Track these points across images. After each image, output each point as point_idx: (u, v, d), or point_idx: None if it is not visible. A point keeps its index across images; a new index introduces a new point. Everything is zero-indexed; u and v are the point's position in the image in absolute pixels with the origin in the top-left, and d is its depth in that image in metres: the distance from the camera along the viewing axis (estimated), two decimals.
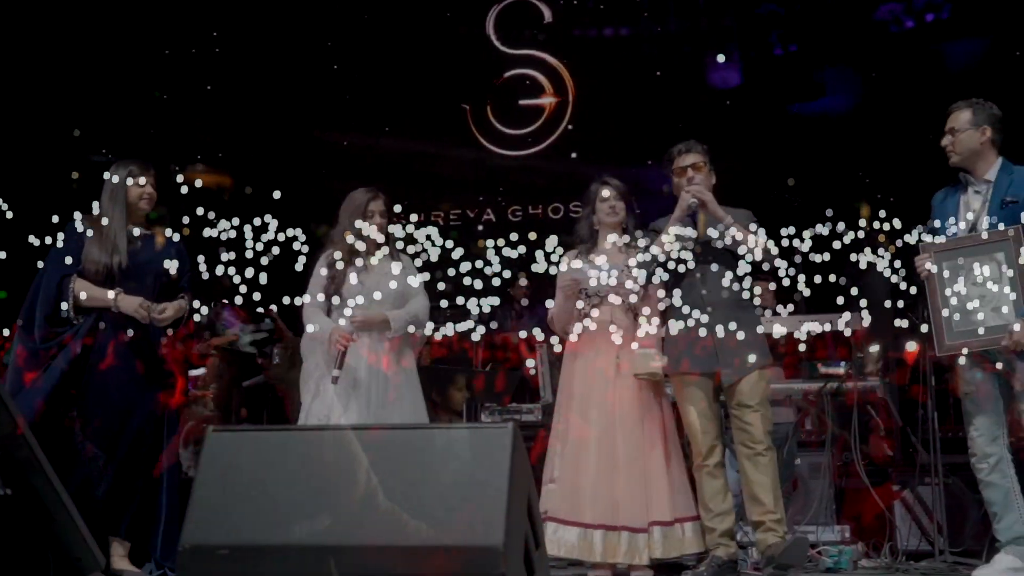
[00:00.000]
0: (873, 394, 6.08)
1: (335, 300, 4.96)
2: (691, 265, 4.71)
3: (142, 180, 4.97)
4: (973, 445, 4.57)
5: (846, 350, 6.07)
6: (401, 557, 2.06)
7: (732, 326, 4.61)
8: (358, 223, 5.01)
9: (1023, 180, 4.52)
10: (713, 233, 4.71)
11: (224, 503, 2.16)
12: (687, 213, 4.75)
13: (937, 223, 4.70)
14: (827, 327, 5.81)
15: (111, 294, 4.75)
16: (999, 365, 4.50)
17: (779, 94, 10.23)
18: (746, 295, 4.74)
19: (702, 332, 4.62)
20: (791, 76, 10.18)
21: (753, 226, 4.73)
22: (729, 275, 4.69)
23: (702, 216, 4.75)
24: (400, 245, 5.19)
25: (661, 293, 4.88)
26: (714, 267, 4.71)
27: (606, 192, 5.05)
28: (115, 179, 4.95)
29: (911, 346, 5.35)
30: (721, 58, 9.82)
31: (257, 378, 9.21)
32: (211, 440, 2.25)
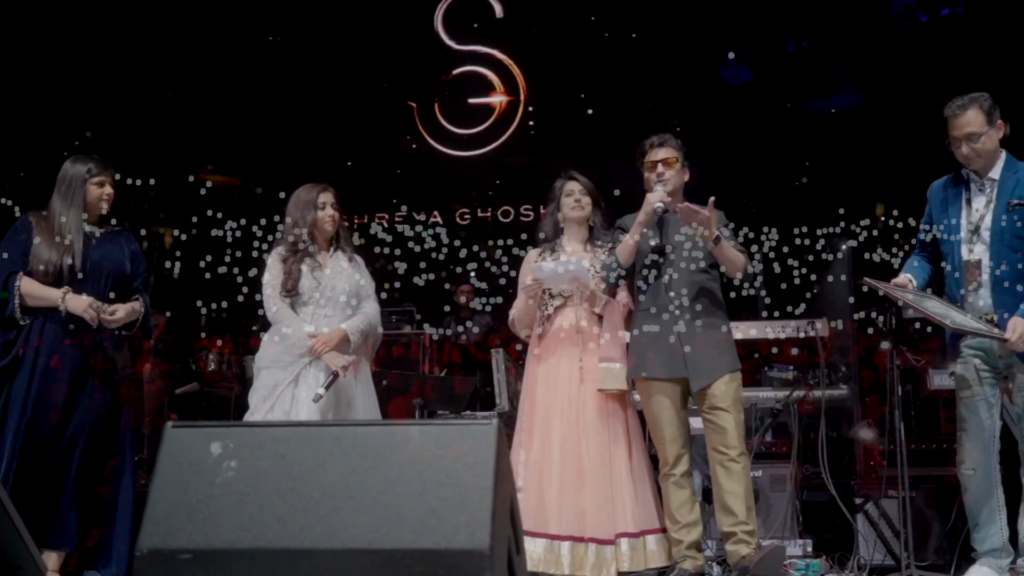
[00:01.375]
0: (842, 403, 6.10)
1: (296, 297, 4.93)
2: (658, 263, 4.67)
3: (102, 179, 4.86)
4: (962, 451, 4.55)
5: (805, 356, 6.09)
6: (379, 561, 1.99)
7: (700, 329, 4.57)
8: (311, 217, 4.95)
9: None
10: (679, 236, 4.66)
11: (185, 504, 2.07)
12: (652, 219, 4.68)
13: (932, 220, 4.63)
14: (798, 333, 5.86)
15: (58, 294, 4.64)
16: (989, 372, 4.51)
17: (792, 91, 10.25)
18: (715, 296, 4.70)
19: (670, 338, 4.58)
20: (804, 73, 10.21)
21: (726, 231, 4.70)
22: (697, 276, 4.66)
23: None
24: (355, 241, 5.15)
25: (624, 296, 4.86)
26: (681, 268, 4.66)
27: (571, 186, 5.02)
28: (73, 176, 4.83)
29: (884, 345, 5.33)
30: (731, 55, 9.82)
31: (190, 385, 9.05)
32: (169, 437, 2.16)
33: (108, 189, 4.90)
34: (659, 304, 4.65)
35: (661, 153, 4.77)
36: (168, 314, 9.23)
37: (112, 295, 4.79)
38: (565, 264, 4.83)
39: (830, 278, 7.74)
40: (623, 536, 4.66)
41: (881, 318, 5.82)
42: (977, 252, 4.44)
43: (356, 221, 11.09)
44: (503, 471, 2.15)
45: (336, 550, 2.02)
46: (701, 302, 4.62)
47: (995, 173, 4.46)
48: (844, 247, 8.06)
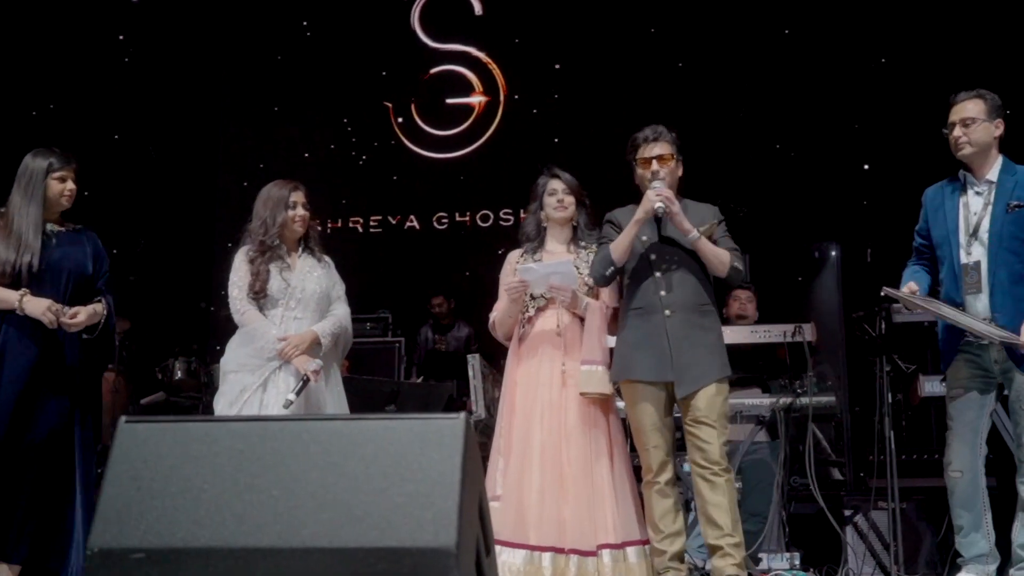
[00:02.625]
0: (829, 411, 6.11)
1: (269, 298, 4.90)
2: (649, 261, 4.63)
3: (64, 174, 4.83)
4: (950, 451, 4.58)
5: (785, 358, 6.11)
6: (340, 560, 1.97)
7: (691, 332, 4.55)
8: (280, 216, 4.93)
9: None
10: (673, 234, 4.62)
11: (139, 502, 2.05)
12: (650, 216, 4.59)
13: (928, 225, 4.71)
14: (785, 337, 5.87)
15: (16, 295, 4.59)
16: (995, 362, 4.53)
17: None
18: (707, 298, 4.66)
19: (660, 340, 4.54)
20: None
21: (719, 229, 4.68)
22: (690, 277, 4.61)
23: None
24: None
25: (608, 296, 4.85)
26: (674, 267, 4.61)
27: (554, 185, 5.00)
28: (33, 171, 4.79)
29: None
30: None
31: (156, 395, 9.01)
32: (123, 432, 2.14)
33: (70, 185, 4.86)
34: (649, 303, 4.60)
35: (656, 149, 4.70)
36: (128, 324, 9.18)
37: (73, 296, 4.74)
38: (552, 265, 4.81)
39: (819, 284, 7.79)
40: (605, 547, 4.62)
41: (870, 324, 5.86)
42: (975, 255, 4.49)
43: (330, 225, 11.08)
44: (471, 468, 2.13)
45: (296, 549, 2.00)
46: (693, 303, 4.58)
47: (992, 175, 4.55)
48: (833, 252, 8.13)
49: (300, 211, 5.00)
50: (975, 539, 4.55)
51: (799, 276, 8.48)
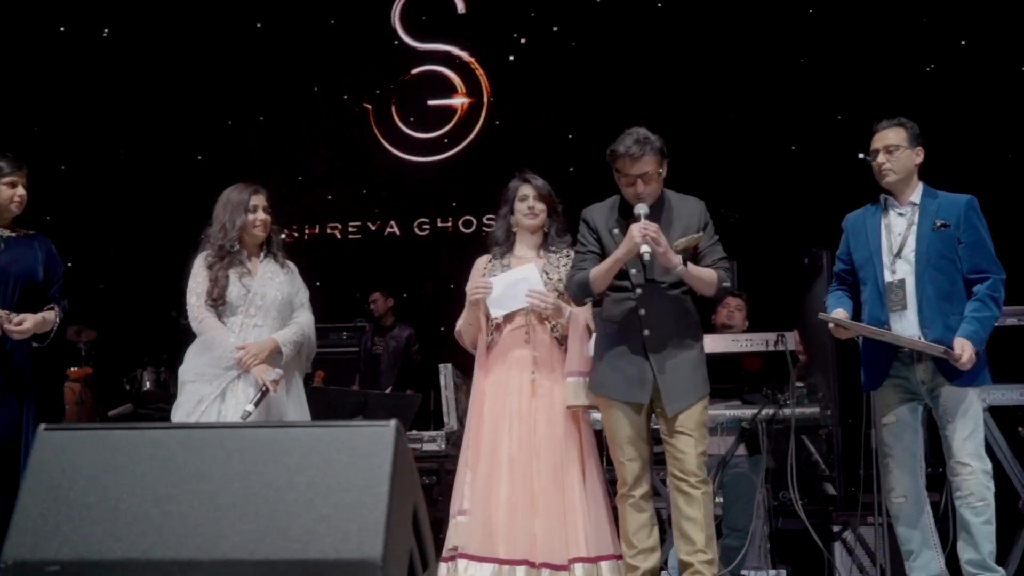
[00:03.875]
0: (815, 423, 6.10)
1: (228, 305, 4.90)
2: (629, 276, 4.57)
3: (14, 179, 4.83)
4: (890, 478, 4.72)
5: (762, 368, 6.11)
6: (263, 573, 1.97)
7: (672, 350, 4.53)
8: (240, 220, 4.93)
9: (950, 204, 4.70)
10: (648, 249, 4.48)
11: (56, 512, 2.04)
12: (633, 255, 4.48)
13: (849, 249, 4.88)
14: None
15: None
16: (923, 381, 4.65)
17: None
18: (690, 310, 4.64)
19: (639, 359, 4.53)
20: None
21: (705, 236, 4.61)
22: (672, 291, 4.57)
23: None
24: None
25: (584, 314, 4.83)
26: (654, 283, 4.56)
27: (526, 190, 4.97)
28: None
29: None
30: None
31: (124, 407, 9.00)
32: (41, 440, 2.14)
33: (20, 190, 4.87)
34: (627, 320, 4.57)
35: (640, 166, 4.54)
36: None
37: (21, 303, 4.74)
38: (515, 274, 4.81)
39: (809, 292, 7.79)
40: (577, 561, 4.61)
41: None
42: (900, 273, 4.68)
43: (307, 232, 11.08)
44: (403, 478, 2.13)
45: (217, 561, 2.00)
46: (675, 319, 4.56)
47: (915, 198, 4.76)
48: (825, 259, 8.13)
49: (261, 215, 4.99)
50: (927, 559, 4.68)
51: (789, 284, 8.48)
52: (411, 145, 11.16)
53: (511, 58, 10.95)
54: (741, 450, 6.18)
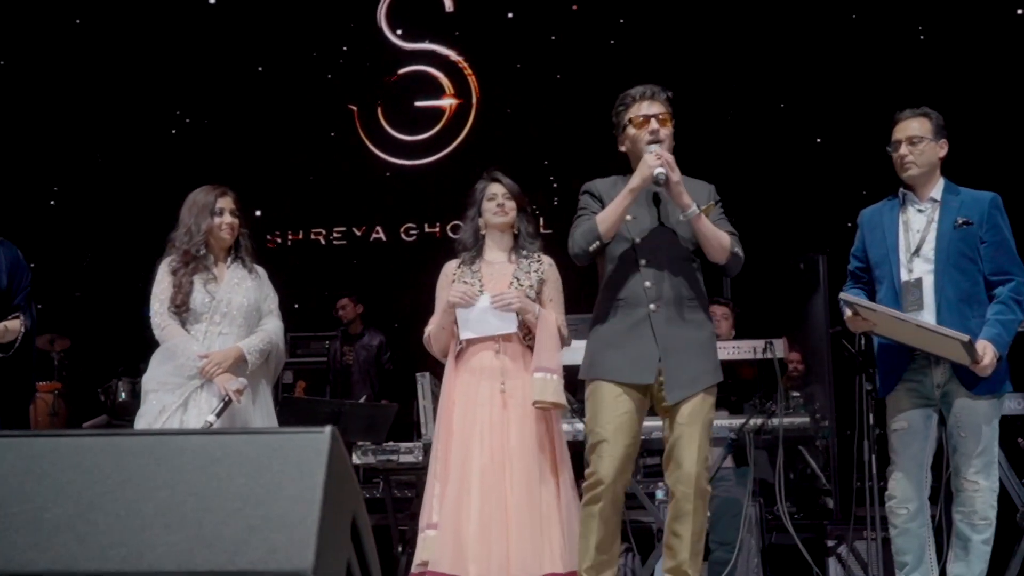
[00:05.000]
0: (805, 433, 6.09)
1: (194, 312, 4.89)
2: (635, 244, 4.39)
3: None
4: (895, 487, 4.63)
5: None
6: None
7: (680, 329, 4.33)
8: (205, 224, 4.92)
9: (973, 202, 4.59)
10: (664, 214, 4.36)
11: None
12: (648, 184, 4.27)
13: (864, 246, 4.77)
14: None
15: None
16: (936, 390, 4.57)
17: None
18: (699, 292, 4.42)
19: (644, 337, 4.30)
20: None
21: (716, 209, 4.45)
22: (680, 265, 4.37)
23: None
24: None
25: (557, 319, 4.78)
26: (662, 254, 4.37)
27: (494, 189, 4.95)
28: None
29: None
30: None
31: (99, 419, 8.99)
32: None
33: None
34: (632, 295, 4.36)
35: (654, 107, 4.40)
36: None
37: None
38: (488, 299, 4.77)
39: (804, 299, 7.77)
40: None
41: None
42: (917, 272, 4.58)
43: (290, 237, 11.08)
44: (339, 487, 2.12)
45: (142, 572, 1.98)
46: (683, 296, 4.34)
47: (936, 194, 4.65)
48: (821, 265, 8.12)
49: (228, 218, 4.98)
50: (922, 574, 4.61)
51: (784, 291, 8.47)
52: (398, 148, 11.17)
53: (501, 58, 10.92)
54: (729, 462, 6.17)
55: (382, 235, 11.07)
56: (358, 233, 11.12)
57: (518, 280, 4.84)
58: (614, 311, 4.42)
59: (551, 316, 4.77)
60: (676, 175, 4.24)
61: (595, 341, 4.48)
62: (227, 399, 4.69)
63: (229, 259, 5.05)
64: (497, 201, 4.92)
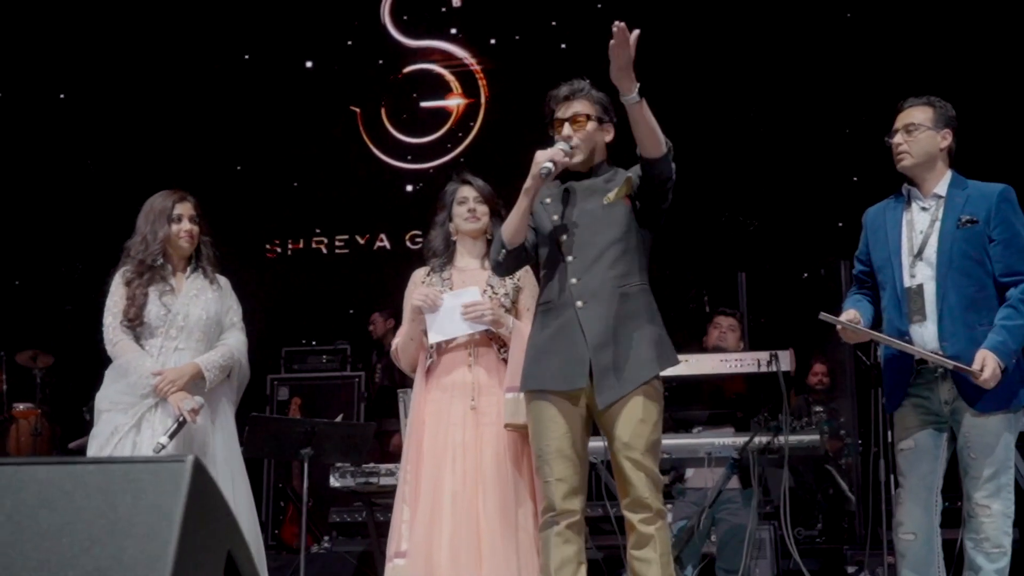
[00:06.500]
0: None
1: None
2: (559, 244, 4.25)
3: None
4: (900, 511, 4.45)
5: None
6: None
7: (611, 321, 4.13)
8: (163, 231, 4.83)
9: (980, 196, 4.39)
10: (588, 206, 4.25)
11: None
12: (541, 184, 4.17)
13: (868, 248, 4.60)
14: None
15: None
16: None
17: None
18: (636, 276, 4.22)
19: (573, 339, 4.13)
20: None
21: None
22: (608, 253, 4.19)
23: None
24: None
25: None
26: (586, 246, 4.21)
27: (465, 192, 4.86)
28: None
29: None
30: None
31: (83, 439, 8.92)
32: None
33: None
34: (559, 297, 4.21)
35: (573, 108, 4.30)
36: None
37: None
38: (455, 296, 4.67)
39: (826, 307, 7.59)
40: None
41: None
42: (920, 277, 4.39)
43: (290, 246, 11.02)
44: (204, 520, 2.00)
45: None
46: (612, 285, 4.16)
47: (941, 189, 4.44)
48: (843, 270, 7.95)
49: (187, 224, 4.90)
50: None
51: (803, 299, 8.32)
52: (403, 151, 11.09)
53: (511, 54, 10.81)
54: (735, 483, 6.01)
55: (386, 243, 11.00)
56: (361, 241, 11.04)
57: (492, 288, 4.75)
58: (545, 315, 4.28)
59: (526, 329, 4.58)
60: (575, 155, 4.20)
61: (529, 349, 4.34)
62: (181, 419, 4.59)
63: (189, 269, 4.97)
64: (468, 206, 4.83)
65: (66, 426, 9.11)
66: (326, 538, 7.95)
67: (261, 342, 9.87)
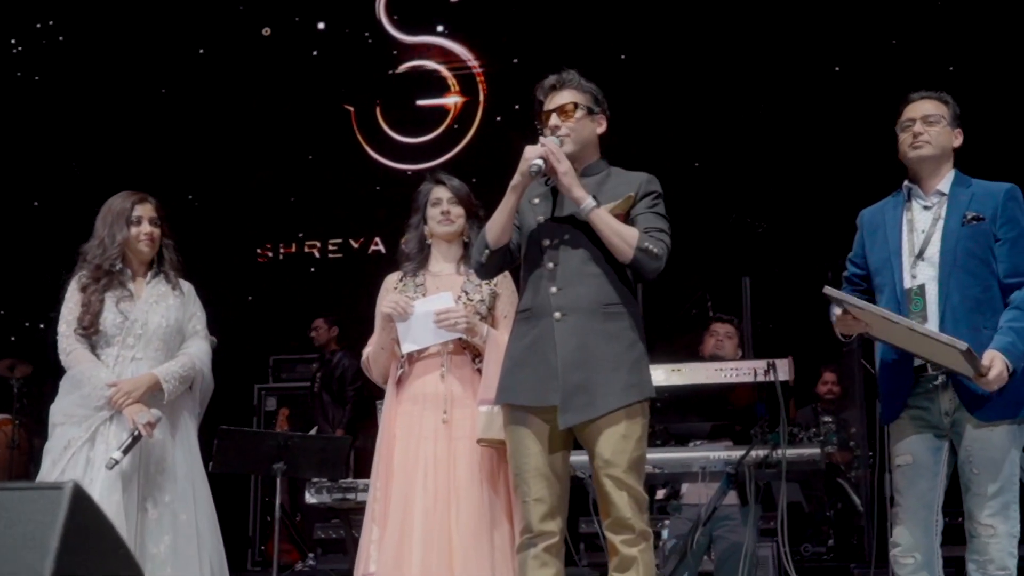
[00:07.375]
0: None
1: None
2: (542, 247, 4.14)
3: None
4: (899, 533, 4.29)
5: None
6: None
7: (588, 340, 4.01)
8: (121, 235, 4.71)
9: (985, 194, 4.30)
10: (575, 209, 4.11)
11: None
12: (529, 182, 4.07)
13: (864, 249, 4.49)
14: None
15: None
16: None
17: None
18: (616, 297, 4.10)
19: (547, 352, 4.01)
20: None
21: (647, 202, 4.14)
22: (592, 268, 4.07)
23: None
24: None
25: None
26: (570, 256, 4.09)
27: (439, 193, 4.80)
28: None
29: None
30: None
31: None
32: None
33: None
34: (538, 304, 4.09)
35: (560, 98, 4.19)
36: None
37: None
38: (427, 303, 4.58)
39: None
40: None
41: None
42: (921, 277, 4.28)
43: (282, 251, 10.92)
44: (84, 551, 1.85)
45: None
46: (594, 302, 4.04)
47: (944, 187, 4.36)
48: None
49: (147, 227, 4.81)
50: None
51: (811, 303, 8.15)
52: (398, 151, 11.00)
53: (510, 50, 10.74)
54: (734, 499, 5.85)
55: (381, 247, 10.89)
56: (355, 245, 10.94)
57: (467, 294, 4.69)
58: (523, 323, 4.15)
59: (502, 338, 4.45)
60: (564, 165, 4.02)
61: (505, 360, 4.21)
62: (136, 433, 4.48)
63: (150, 274, 4.87)
64: (442, 207, 4.77)
65: (44, 438, 8.99)
66: (311, 555, 7.84)
67: (248, 350, 9.83)
